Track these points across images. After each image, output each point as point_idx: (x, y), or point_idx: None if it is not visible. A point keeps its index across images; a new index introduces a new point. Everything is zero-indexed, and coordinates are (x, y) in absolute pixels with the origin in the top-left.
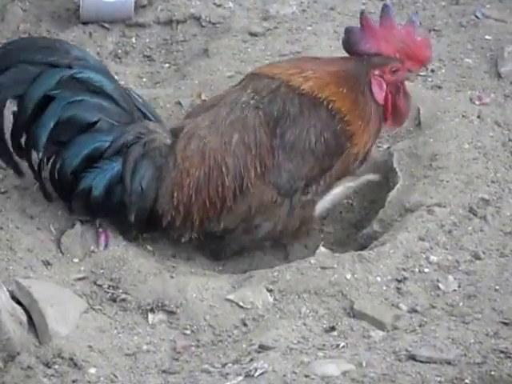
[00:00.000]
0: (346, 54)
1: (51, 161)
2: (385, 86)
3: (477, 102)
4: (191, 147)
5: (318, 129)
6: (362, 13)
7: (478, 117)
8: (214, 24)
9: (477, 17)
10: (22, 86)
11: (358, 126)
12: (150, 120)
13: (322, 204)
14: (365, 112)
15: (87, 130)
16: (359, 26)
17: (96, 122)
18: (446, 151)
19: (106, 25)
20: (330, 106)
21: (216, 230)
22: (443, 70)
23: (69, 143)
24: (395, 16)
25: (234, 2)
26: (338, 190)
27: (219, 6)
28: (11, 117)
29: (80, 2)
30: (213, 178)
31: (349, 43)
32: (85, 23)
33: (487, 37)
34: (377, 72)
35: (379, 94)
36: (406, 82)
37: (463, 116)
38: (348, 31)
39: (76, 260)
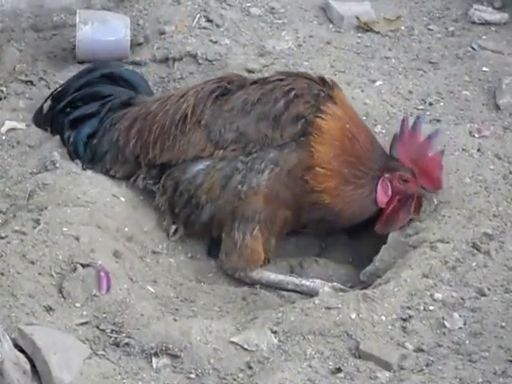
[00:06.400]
0: None
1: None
2: (390, 192)
3: (476, 135)
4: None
5: (278, 97)
6: (403, 119)
7: (478, 150)
8: (210, 61)
9: (473, 48)
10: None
11: (328, 162)
12: None
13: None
14: (345, 175)
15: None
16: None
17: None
18: (447, 185)
19: None
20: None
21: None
22: (441, 103)
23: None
24: (421, 128)
25: (230, 39)
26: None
27: (215, 42)
28: None
29: (76, 42)
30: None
31: (392, 141)
32: (81, 62)
33: (484, 68)
34: (387, 175)
35: (381, 197)
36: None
37: (463, 149)
38: (395, 134)
39: (78, 305)
